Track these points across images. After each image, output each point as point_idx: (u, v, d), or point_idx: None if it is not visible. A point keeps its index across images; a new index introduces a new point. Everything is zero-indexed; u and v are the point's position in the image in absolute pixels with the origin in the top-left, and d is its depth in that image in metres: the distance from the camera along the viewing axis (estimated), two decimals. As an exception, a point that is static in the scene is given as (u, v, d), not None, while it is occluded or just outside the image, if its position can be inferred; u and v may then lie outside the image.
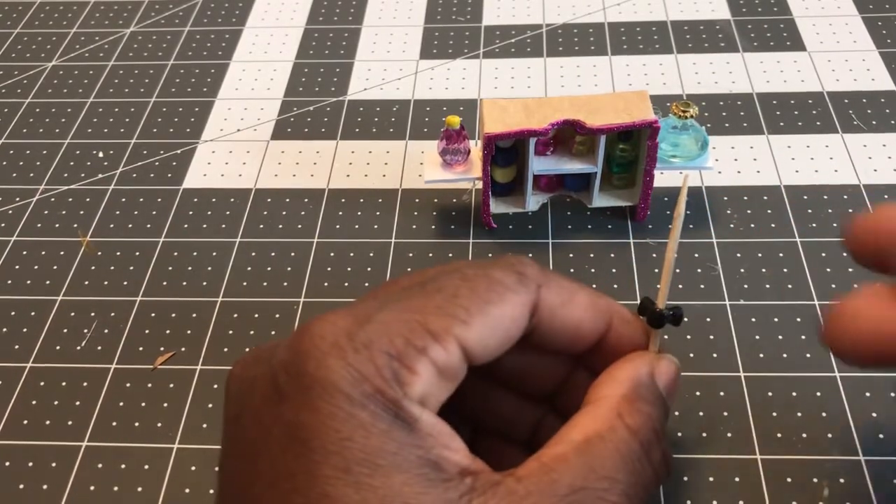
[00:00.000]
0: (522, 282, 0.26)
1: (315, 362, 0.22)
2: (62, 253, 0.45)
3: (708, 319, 0.40)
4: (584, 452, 0.24)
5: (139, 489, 0.35)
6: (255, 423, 0.23)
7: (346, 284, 0.43)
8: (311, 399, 0.22)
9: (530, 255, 0.43)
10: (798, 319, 0.40)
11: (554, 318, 0.27)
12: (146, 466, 0.36)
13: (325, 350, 0.23)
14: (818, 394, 0.37)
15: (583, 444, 0.24)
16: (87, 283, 0.44)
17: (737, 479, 0.34)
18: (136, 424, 0.38)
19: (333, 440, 0.22)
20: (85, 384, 0.39)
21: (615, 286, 0.42)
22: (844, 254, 0.42)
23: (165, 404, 0.38)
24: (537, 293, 0.26)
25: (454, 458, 0.23)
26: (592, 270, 0.43)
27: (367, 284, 0.42)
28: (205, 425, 0.37)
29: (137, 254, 0.45)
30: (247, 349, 0.40)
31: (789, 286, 0.41)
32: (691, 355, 0.39)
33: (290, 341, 0.23)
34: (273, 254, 0.44)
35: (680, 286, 0.41)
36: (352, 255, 0.44)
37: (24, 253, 0.45)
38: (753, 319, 0.40)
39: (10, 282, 0.44)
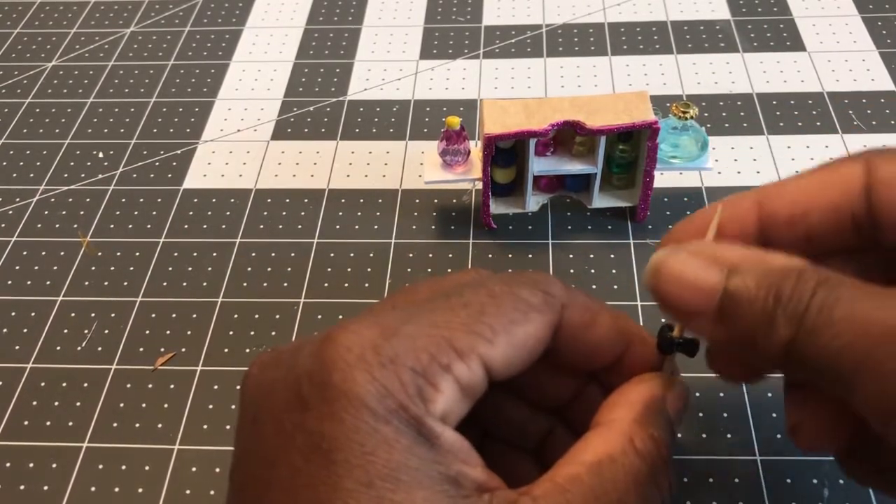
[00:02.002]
0: (548, 301, 0.26)
1: (341, 374, 0.22)
2: (62, 253, 0.45)
3: (708, 320, 0.40)
4: (597, 474, 0.24)
5: (140, 490, 0.35)
6: (274, 428, 0.23)
7: (346, 285, 0.43)
8: (336, 411, 0.22)
9: (530, 255, 0.43)
10: (798, 320, 0.40)
11: (576, 339, 0.27)
12: (147, 467, 0.36)
13: (351, 362, 0.23)
14: (818, 395, 0.37)
15: (595, 465, 0.24)
16: (87, 283, 0.44)
17: (736, 481, 0.34)
18: (137, 425, 0.38)
19: (357, 454, 0.22)
20: (85, 385, 0.39)
21: (615, 287, 0.42)
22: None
23: (166, 405, 0.38)
24: (561, 313, 0.26)
25: (472, 475, 0.23)
26: (592, 271, 0.43)
27: (366, 285, 0.42)
28: (205, 426, 0.37)
29: (138, 254, 0.45)
30: (247, 350, 0.40)
31: (789, 287, 0.41)
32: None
33: (315, 350, 0.23)
34: (273, 254, 0.44)
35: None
36: (352, 255, 0.44)
37: (25, 253, 0.45)
38: (753, 320, 0.40)
39: (10, 282, 0.44)
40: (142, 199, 0.48)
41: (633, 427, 0.25)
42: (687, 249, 0.25)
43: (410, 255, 0.44)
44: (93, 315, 0.42)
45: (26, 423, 0.38)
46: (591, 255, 0.43)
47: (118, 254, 0.45)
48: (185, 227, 0.46)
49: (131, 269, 0.44)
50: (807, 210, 0.27)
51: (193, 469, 0.36)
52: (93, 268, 0.45)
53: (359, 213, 0.46)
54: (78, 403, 0.39)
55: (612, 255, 0.43)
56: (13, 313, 0.43)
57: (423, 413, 0.23)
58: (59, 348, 0.41)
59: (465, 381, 0.24)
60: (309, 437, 0.22)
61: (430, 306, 0.25)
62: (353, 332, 0.23)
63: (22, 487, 0.36)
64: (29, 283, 0.44)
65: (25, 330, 0.42)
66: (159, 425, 0.38)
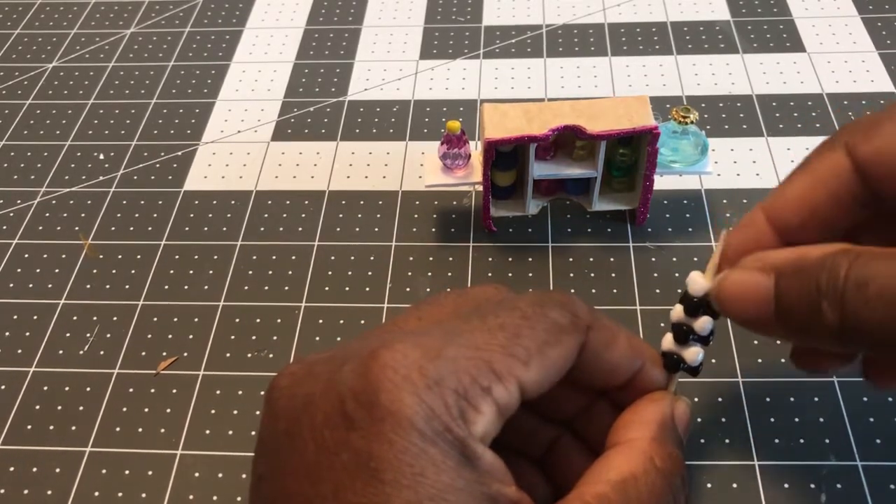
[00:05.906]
0: (575, 323, 0.27)
1: (388, 395, 0.23)
2: (64, 256, 0.45)
3: (707, 324, 0.40)
4: (622, 492, 0.25)
5: (143, 495, 0.36)
6: (315, 444, 0.23)
7: (347, 289, 0.43)
8: (385, 432, 0.22)
9: (530, 258, 0.44)
10: (796, 324, 0.40)
11: (596, 359, 0.28)
12: (150, 472, 0.36)
13: (397, 383, 0.23)
14: (816, 399, 0.37)
15: (620, 484, 0.25)
16: (88, 286, 0.44)
17: (735, 486, 0.35)
18: (140, 430, 0.38)
19: (406, 475, 0.22)
20: (88, 389, 0.40)
21: (614, 290, 0.42)
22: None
23: (168, 410, 0.39)
24: (586, 334, 0.27)
25: (508, 493, 0.24)
26: (592, 274, 0.43)
27: (367, 289, 0.43)
28: (208, 431, 0.38)
29: (139, 257, 0.45)
30: (248, 355, 0.40)
31: (788, 290, 0.41)
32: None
33: (359, 368, 0.24)
34: (274, 257, 0.45)
35: (679, 291, 0.41)
36: (352, 258, 0.44)
37: (26, 256, 0.46)
38: (752, 324, 0.40)
39: (11, 285, 0.44)
40: (143, 202, 0.48)
41: (652, 446, 0.26)
42: (740, 266, 0.28)
43: (411, 258, 0.44)
44: (94, 318, 0.42)
45: (29, 427, 0.38)
46: (591, 259, 0.43)
47: (119, 256, 0.45)
48: (186, 229, 0.46)
49: (133, 272, 0.44)
50: (813, 209, 0.29)
51: (196, 474, 0.36)
52: (94, 270, 0.45)
53: (359, 215, 0.46)
54: (81, 408, 0.39)
55: (612, 259, 0.43)
56: (15, 316, 0.43)
57: (466, 434, 0.23)
58: (61, 352, 0.41)
59: (502, 403, 0.24)
60: (355, 455, 0.23)
61: (468, 327, 0.25)
62: (398, 352, 0.24)
63: (26, 492, 0.36)
64: (31, 285, 0.44)
65: (28, 333, 0.42)
66: (162, 430, 0.38)
